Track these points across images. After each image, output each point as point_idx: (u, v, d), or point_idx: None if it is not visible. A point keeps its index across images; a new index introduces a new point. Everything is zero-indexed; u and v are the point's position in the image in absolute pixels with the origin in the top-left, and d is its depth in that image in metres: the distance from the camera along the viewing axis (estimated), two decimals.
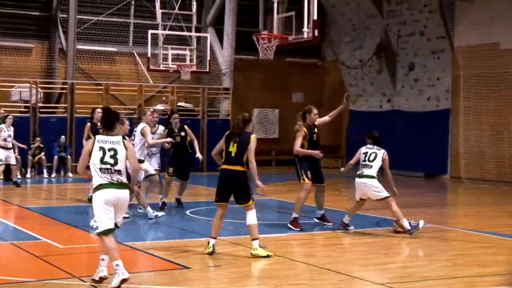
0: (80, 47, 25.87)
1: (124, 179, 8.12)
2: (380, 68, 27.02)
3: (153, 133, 13.91)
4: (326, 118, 13.40)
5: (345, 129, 28.72)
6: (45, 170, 22.96)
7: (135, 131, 13.48)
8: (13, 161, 18.65)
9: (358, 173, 12.05)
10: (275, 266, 9.45)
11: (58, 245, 10.80)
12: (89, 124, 15.33)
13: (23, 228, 12.38)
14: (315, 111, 12.89)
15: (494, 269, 9.42)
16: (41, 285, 8.29)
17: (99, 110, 15.03)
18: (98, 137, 8.17)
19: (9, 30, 25.53)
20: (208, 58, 25.51)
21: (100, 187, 7.95)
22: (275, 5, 18.55)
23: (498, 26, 22.30)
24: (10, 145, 18.52)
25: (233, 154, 10.00)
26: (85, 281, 8.36)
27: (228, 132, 10.36)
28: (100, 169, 7.93)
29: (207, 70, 25.68)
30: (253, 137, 10.16)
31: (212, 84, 27.69)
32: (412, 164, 25.01)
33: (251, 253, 9.72)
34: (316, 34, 17.17)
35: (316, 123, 12.85)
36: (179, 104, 26.60)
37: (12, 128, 18.83)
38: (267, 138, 28.92)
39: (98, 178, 7.95)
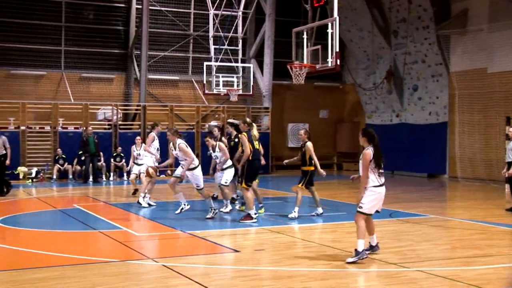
0: (150, 76, 26.12)
1: None
2: (390, 90, 26.80)
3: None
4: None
5: None
6: (125, 174, 23.20)
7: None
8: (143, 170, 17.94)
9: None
10: (308, 250, 9.40)
11: (135, 233, 10.88)
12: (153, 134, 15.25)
13: (108, 219, 12.52)
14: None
15: (486, 251, 9.23)
16: (122, 264, 8.36)
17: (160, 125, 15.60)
18: None
19: (96, 64, 25.94)
20: (251, 83, 25.65)
21: None
22: (305, 40, 18.56)
23: (485, 54, 22.02)
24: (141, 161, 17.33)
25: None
26: (157, 261, 8.40)
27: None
28: None
29: (251, 93, 25.82)
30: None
31: (254, 104, 27.73)
32: (417, 167, 24.80)
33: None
34: (338, 63, 17.12)
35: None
36: (228, 120, 26.56)
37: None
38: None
39: None
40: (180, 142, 12.16)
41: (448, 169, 24.14)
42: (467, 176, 22.79)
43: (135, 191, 16.86)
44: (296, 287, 7.10)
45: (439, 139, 24.36)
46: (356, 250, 8.26)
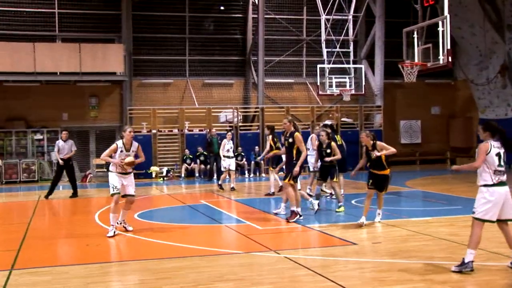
0: (267, 80, 26.43)
1: None
2: (504, 84, 25.39)
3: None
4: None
5: (475, 134, 27.28)
6: (246, 172, 23.63)
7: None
8: (232, 168, 18.17)
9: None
10: (424, 243, 9.07)
11: (258, 226, 11.01)
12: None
13: (232, 214, 12.78)
14: None
15: None
16: (247, 256, 8.48)
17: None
18: None
19: (217, 71, 26.70)
20: (363, 83, 25.26)
21: None
22: (416, 40, 18.05)
23: None
24: (232, 155, 18.15)
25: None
26: (279, 253, 8.46)
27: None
28: None
29: (363, 92, 25.44)
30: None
31: (367, 103, 27.27)
32: None
33: None
34: (449, 60, 16.52)
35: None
36: (342, 119, 26.44)
37: (231, 142, 18.39)
38: (412, 143, 28.09)
39: None
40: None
41: None
42: None
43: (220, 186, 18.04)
44: (415, 279, 6.87)
45: None
46: (463, 258, 7.18)
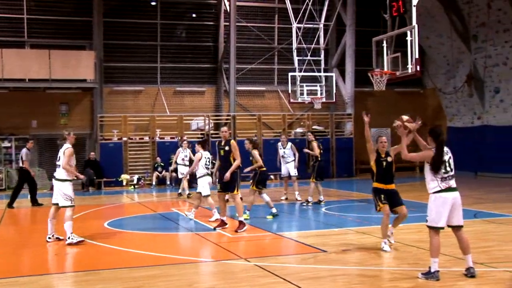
0: (238, 88, 26.44)
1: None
2: (471, 93, 25.87)
3: None
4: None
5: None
6: (217, 180, 23.54)
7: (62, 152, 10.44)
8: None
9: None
10: (393, 250, 9.16)
11: (228, 234, 10.99)
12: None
13: (203, 222, 12.74)
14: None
15: None
16: (217, 264, 8.46)
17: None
18: None
19: (189, 78, 26.62)
20: (334, 91, 25.45)
21: None
22: (385, 49, 18.26)
23: None
24: (187, 163, 18.64)
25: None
26: (249, 261, 8.45)
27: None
28: None
29: (334, 100, 25.63)
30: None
31: (338, 111, 27.50)
32: (501, 167, 23.71)
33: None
34: (418, 69, 16.74)
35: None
36: (313, 127, 26.57)
37: (188, 150, 19.03)
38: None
39: None
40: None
41: None
42: None
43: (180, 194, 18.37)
44: (384, 286, 6.94)
45: None
46: (429, 267, 7.20)
